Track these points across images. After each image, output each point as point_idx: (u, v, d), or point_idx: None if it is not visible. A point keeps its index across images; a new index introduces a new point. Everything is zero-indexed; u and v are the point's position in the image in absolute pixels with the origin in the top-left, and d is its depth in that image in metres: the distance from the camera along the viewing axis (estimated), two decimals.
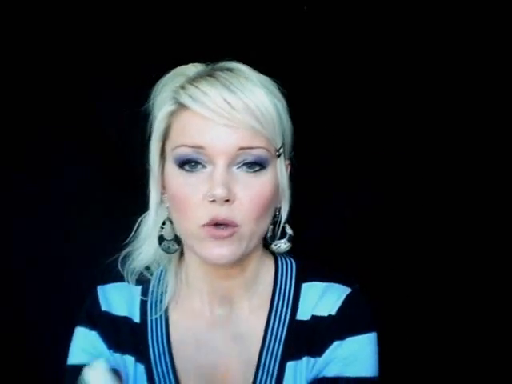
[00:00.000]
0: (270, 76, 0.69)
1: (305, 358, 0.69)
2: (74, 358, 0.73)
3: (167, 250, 0.72)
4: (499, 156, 1.08)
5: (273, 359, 0.70)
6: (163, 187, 0.69)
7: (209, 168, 0.63)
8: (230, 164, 0.63)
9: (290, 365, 0.69)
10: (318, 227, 1.06)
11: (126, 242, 0.75)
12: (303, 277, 0.75)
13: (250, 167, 0.64)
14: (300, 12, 1.08)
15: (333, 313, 0.70)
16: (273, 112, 0.64)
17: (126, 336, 0.73)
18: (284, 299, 0.73)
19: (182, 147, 0.64)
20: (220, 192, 0.60)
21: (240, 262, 0.68)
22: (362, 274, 0.79)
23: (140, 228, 0.75)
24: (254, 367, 0.70)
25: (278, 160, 0.67)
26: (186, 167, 0.64)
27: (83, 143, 1.06)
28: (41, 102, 1.05)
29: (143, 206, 0.74)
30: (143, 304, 0.75)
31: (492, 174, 1.08)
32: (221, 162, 0.62)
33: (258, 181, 0.64)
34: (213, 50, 0.99)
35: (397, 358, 0.74)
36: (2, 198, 1.06)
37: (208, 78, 0.64)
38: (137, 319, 0.74)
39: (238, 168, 0.63)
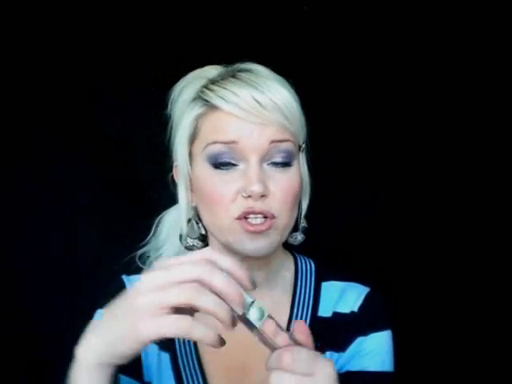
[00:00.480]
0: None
1: (328, 353, 0.72)
2: None
3: (191, 248, 0.73)
4: (499, 157, 1.08)
5: None
6: (190, 188, 0.71)
7: (241, 165, 0.65)
8: (262, 160, 0.65)
9: None
10: (319, 226, 1.06)
11: (145, 242, 0.76)
12: (322, 276, 0.78)
13: (278, 164, 0.66)
14: (300, 12, 1.08)
15: (355, 309, 0.74)
16: (297, 108, 0.67)
17: None
18: (305, 296, 0.75)
19: (214, 144, 0.65)
20: (257, 188, 0.62)
21: (263, 257, 0.69)
22: (362, 273, 0.79)
23: (159, 228, 0.76)
24: None
25: (301, 155, 0.71)
26: (221, 167, 0.65)
27: (83, 143, 1.06)
28: (41, 102, 1.05)
29: (143, 206, 0.74)
30: None
31: (492, 174, 1.08)
32: (254, 159, 0.64)
33: (286, 175, 0.66)
34: (213, 50, 0.99)
35: (402, 356, 0.76)
36: (1, 198, 1.06)
37: (232, 79, 0.66)
38: None
39: (267, 165, 0.65)
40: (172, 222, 0.76)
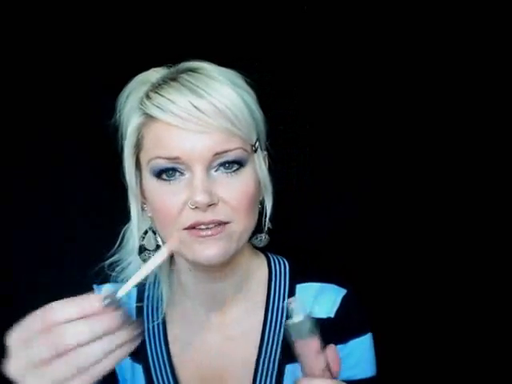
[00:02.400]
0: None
1: None
2: None
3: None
4: (499, 158, 1.08)
5: (271, 361, 0.69)
6: (143, 197, 0.68)
7: (187, 174, 0.62)
8: (208, 168, 0.61)
9: (289, 367, 0.69)
10: (316, 226, 1.06)
11: (113, 251, 0.74)
12: (297, 277, 0.75)
13: (227, 168, 0.62)
14: (300, 11, 1.08)
15: (331, 315, 0.71)
16: (244, 109, 0.63)
17: None
18: (279, 300, 0.73)
19: (157, 159, 0.62)
20: (201, 198, 0.59)
21: (229, 262, 0.67)
22: (356, 273, 0.79)
23: (126, 238, 0.73)
24: (253, 369, 0.69)
25: (255, 155, 0.66)
26: (164, 176, 0.62)
27: (83, 143, 1.06)
28: (41, 102, 1.05)
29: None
30: (139, 313, 0.74)
31: (492, 174, 1.08)
32: (198, 169, 0.60)
33: (238, 179, 0.63)
34: (211, 49, 0.99)
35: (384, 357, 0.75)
36: (1, 198, 1.06)
37: (172, 83, 0.62)
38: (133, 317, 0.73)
39: (216, 171, 0.62)
40: (136, 233, 0.73)
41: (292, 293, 0.73)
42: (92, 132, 1.06)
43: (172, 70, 0.66)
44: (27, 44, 1.04)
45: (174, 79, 0.63)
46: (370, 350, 0.71)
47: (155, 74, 0.66)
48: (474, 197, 1.08)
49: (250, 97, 0.65)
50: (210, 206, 0.60)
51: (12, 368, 0.42)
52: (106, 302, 0.41)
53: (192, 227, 0.61)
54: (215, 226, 0.60)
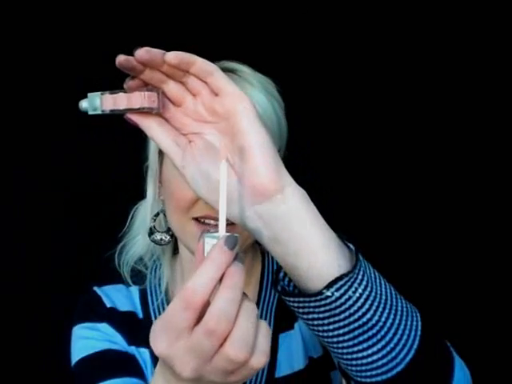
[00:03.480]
0: (271, 76, 0.68)
1: (296, 325, 0.71)
2: (86, 349, 0.68)
3: (159, 242, 0.71)
4: (499, 159, 1.08)
5: None
6: (159, 181, 0.70)
7: None
8: None
9: (282, 336, 0.70)
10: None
11: (121, 234, 0.75)
12: None
13: None
14: (300, 12, 1.08)
15: None
16: (274, 119, 0.64)
17: (135, 330, 0.70)
18: (271, 292, 0.73)
19: None
20: None
21: None
22: None
23: (134, 219, 0.75)
24: None
25: None
26: None
27: (83, 143, 1.06)
28: (40, 102, 1.06)
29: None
30: (143, 298, 0.74)
31: (492, 174, 1.08)
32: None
33: None
34: (213, 49, 1.00)
35: None
36: (1, 198, 1.07)
37: None
38: (140, 315, 0.73)
39: None
40: (144, 214, 0.75)
41: None
42: (92, 132, 1.08)
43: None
44: (27, 44, 1.05)
45: None
46: None
47: None
48: (474, 197, 1.09)
49: (279, 106, 0.66)
50: None
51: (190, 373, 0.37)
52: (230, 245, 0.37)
53: (202, 218, 0.61)
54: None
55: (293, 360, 0.69)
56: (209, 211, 0.61)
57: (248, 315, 0.36)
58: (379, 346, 0.42)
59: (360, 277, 0.41)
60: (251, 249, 0.75)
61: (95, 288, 0.74)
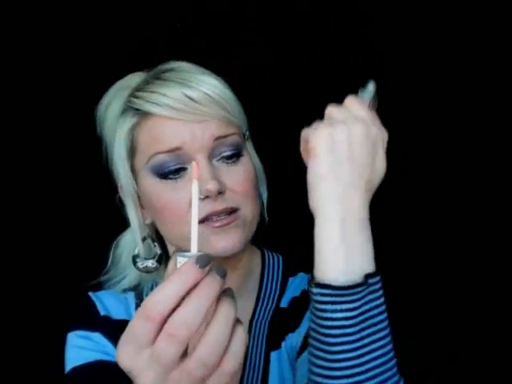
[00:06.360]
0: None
1: (283, 344, 0.68)
2: (79, 359, 0.66)
3: (146, 270, 0.69)
4: (499, 160, 1.08)
5: (258, 350, 0.68)
6: (141, 206, 0.67)
7: (190, 167, 0.61)
8: (210, 157, 0.61)
9: (273, 355, 0.68)
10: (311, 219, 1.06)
11: (105, 270, 0.72)
12: (290, 271, 0.75)
13: (228, 158, 0.62)
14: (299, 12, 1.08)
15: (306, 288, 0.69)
16: (234, 98, 0.64)
17: None
18: (271, 292, 0.72)
19: (156, 156, 0.60)
20: (212, 185, 0.58)
21: (233, 256, 0.64)
22: None
23: (117, 254, 0.72)
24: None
25: (248, 144, 0.67)
26: (170, 176, 0.61)
27: (83, 143, 1.06)
28: (41, 102, 1.06)
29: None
30: (139, 306, 0.72)
31: (491, 175, 1.08)
32: (201, 157, 0.60)
33: (239, 167, 0.63)
34: (210, 48, 1.00)
35: None
36: (1, 198, 1.07)
37: (158, 81, 0.62)
38: None
39: (217, 161, 0.62)
40: (130, 247, 0.71)
41: (284, 285, 0.73)
42: (92, 132, 1.08)
43: (153, 71, 0.66)
44: (27, 44, 1.05)
45: (158, 78, 0.63)
46: None
47: (135, 77, 0.66)
48: (473, 197, 1.08)
49: (232, 91, 0.65)
50: (220, 194, 0.59)
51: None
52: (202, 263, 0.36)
53: (205, 219, 0.59)
54: (227, 214, 0.60)
55: (284, 380, 0.67)
56: (210, 208, 0.59)
57: (225, 318, 0.36)
58: None
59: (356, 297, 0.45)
60: (249, 245, 0.72)
61: (90, 293, 0.72)
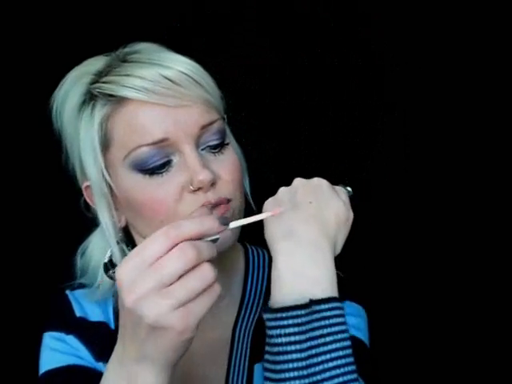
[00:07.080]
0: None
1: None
2: (51, 362, 0.62)
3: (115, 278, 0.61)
4: (499, 160, 1.08)
5: (242, 360, 0.64)
6: (115, 205, 0.59)
7: (176, 159, 0.55)
8: (196, 146, 0.55)
9: (257, 367, 0.63)
10: None
11: (76, 281, 0.68)
12: None
13: (214, 147, 0.57)
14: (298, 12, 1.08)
15: None
16: (209, 76, 0.58)
17: (106, 343, 0.60)
18: (255, 298, 0.68)
19: (139, 149, 0.53)
20: (205, 176, 0.53)
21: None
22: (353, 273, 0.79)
23: (84, 261, 0.66)
24: (225, 368, 0.63)
25: (227, 128, 0.61)
26: (156, 171, 0.54)
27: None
28: (40, 103, 1.05)
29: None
30: (117, 306, 0.69)
31: (492, 175, 1.08)
32: (188, 147, 0.54)
33: (225, 156, 0.58)
34: (210, 48, 1.00)
35: None
36: (1, 199, 1.06)
37: (126, 63, 0.55)
38: (113, 326, 0.65)
39: (202, 150, 0.56)
40: (98, 254, 0.65)
41: (269, 289, 0.71)
42: None
43: (116, 54, 0.59)
44: (27, 45, 1.05)
45: (125, 60, 0.56)
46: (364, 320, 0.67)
47: (95, 62, 0.59)
48: (473, 197, 1.08)
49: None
50: (212, 185, 0.54)
51: (130, 296, 0.38)
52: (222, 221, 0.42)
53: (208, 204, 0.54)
54: (219, 206, 0.55)
55: None
56: (202, 200, 0.54)
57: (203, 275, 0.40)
58: None
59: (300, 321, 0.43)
60: (231, 255, 0.68)
61: (67, 292, 0.68)
